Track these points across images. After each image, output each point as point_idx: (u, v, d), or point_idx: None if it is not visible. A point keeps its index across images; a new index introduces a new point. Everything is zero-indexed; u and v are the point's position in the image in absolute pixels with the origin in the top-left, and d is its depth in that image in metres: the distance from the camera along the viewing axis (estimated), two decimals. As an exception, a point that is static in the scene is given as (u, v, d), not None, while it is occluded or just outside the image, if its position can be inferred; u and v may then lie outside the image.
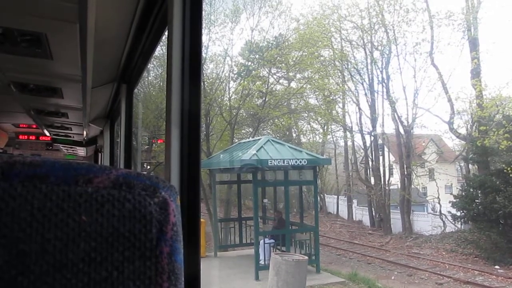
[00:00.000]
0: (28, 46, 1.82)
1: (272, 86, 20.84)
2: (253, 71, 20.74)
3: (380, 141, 20.86)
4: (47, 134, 5.69)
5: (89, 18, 1.47)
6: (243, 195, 16.09)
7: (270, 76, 21.05)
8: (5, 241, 0.31)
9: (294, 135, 23.58)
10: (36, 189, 0.33)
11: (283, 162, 10.85)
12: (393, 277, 12.35)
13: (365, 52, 20.40)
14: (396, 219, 18.70)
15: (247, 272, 10.35)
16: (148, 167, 18.71)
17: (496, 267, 12.80)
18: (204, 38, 19.71)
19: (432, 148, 21.27)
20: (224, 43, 22.93)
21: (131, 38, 2.00)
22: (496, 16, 28.75)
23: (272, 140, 12.29)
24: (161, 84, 18.72)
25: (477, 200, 14.91)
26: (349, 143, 22.86)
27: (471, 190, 15.22)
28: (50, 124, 4.75)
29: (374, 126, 20.49)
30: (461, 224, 16.29)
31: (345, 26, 20.63)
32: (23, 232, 0.32)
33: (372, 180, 20.58)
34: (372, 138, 20.89)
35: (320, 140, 23.44)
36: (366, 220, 20.94)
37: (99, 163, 6.27)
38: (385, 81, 19.75)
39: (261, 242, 10.68)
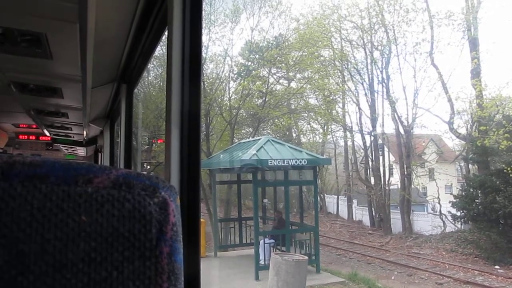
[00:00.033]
0: (28, 46, 1.82)
1: (272, 86, 20.85)
2: (253, 71, 20.74)
3: (380, 141, 20.87)
4: (47, 134, 5.69)
5: (89, 18, 1.47)
6: (243, 195, 16.09)
7: (270, 76, 21.08)
8: (5, 241, 0.31)
9: (294, 135, 23.58)
10: (36, 189, 0.33)
11: (283, 162, 10.85)
12: (393, 277, 12.35)
13: (365, 52, 20.42)
14: (396, 219, 18.70)
15: (247, 272, 10.35)
16: (148, 167, 18.72)
17: (496, 267, 12.80)
18: (204, 38, 19.74)
19: (432, 148, 21.27)
20: (224, 43, 22.98)
21: (131, 38, 2.00)
22: (496, 16, 28.79)
23: (272, 140, 12.29)
24: (161, 84, 18.73)
25: (477, 200, 14.91)
26: (349, 143, 22.88)
27: (471, 190, 15.22)
28: (50, 124, 4.75)
29: (374, 126, 20.51)
30: (461, 224, 16.29)
31: (345, 26, 20.66)
32: (23, 232, 0.32)
33: (372, 180, 20.58)
34: (372, 138, 20.89)
35: (320, 140, 23.45)
36: (366, 220, 20.94)
37: (99, 163, 6.27)
38: (385, 81, 19.76)
39: (261, 242, 10.68)
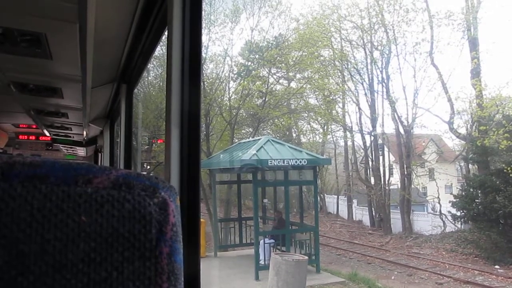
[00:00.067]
0: (28, 46, 1.82)
1: (272, 86, 20.85)
2: (253, 71, 20.74)
3: (380, 141, 20.87)
4: (47, 134, 5.69)
5: (89, 18, 1.47)
6: (243, 195, 16.09)
7: (270, 76, 21.07)
8: (5, 242, 0.31)
9: (294, 135, 23.58)
10: (36, 189, 0.33)
11: (283, 162, 10.85)
12: (393, 277, 12.35)
13: (365, 52, 20.41)
14: (396, 219, 18.70)
15: (247, 272, 10.36)
16: (148, 167, 18.72)
17: (496, 267, 12.80)
18: (204, 38, 19.74)
19: (432, 148, 21.27)
20: (224, 43, 22.96)
21: (131, 38, 2.00)
22: (496, 16, 28.79)
23: (272, 140, 12.29)
24: (161, 84, 18.73)
25: (477, 200, 14.91)
26: (349, 143, 22.88)
27: (471, 190, 15.22)
28: (50, 124, 4.75)
29: (374, 126, 20.50)
30: (461, 224, 16.29)
31: (345, 26, 20.65)
32: (23, 233, 0.32)
33: (372, 180, 20.58)
34: (372, 138, 20.89)
35: (320, 140, 23.45)
36: (366, 220, 20.94)
37: (99, 163, 6.27)
38: (385, 81, 19.76)
39: (261, 242, 10.68)
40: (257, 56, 21.31)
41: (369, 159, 21.05)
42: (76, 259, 0.32)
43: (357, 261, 14.10)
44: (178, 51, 1.19)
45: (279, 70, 21.66)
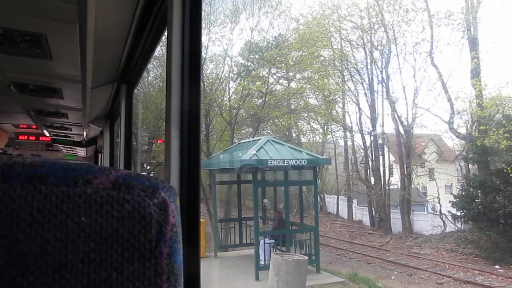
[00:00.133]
0: (28, 46, 1.82)
1: (272, 86, 20.85)
2: (253, 71, 20.75)
3: (380, 141, 20.87)
4: (47, 134, 5.69)
5: (88, 18, 1.48)
6: (243, 195, 16.09)
7: (270, 76, 21.08)
8: (5, 242, 0.31)
9: (294, 135, 23.58)
10: (36, 190, 0.33)
11: (283, 162, 10.86)
12: (393, 277, 12.35)
13: (365, 52, 20.42)
14: (396, 219, 18.70)
15: (247, 272, 10.36)
16: (148, 167, 18.72)
17: (496, 266, 12.80)
18: (204, 38, 19.74)
19: (432, 148, 21.27)
20: (223, 43, 22.99)
21: (131, 38, 2.00)
22: (496, 15, 28.79)
23: (272, 140, 12.30)
24: (161, 84, 18.74)
25: (477, 200, 14.91)
26: (349, 143, 22.88)
27: (471, 189, 15.22)
28: (50, 125, 4.75)
29: (374, 126, 20.51)
30: (461, 224, 16.29)
31: (345, 26, 20.66)
32: (22, 233, 0.32)
33: (372, 180, 20.58)
34: (372, 138, 20.90)
35: (320, 140, 23.45)
36: (366, 220, 20.94)
37: (99, 163, 6.27)
38: (385, 81, 19.77)
39: (261, 242, 10.69)
40: (257, 56, 21.31)
41: (369, 159, 21.05)
42: (76, 259, 0.32)
43: (357, 261, 14.10)
44: (178, 51, 1.19)
45: (279, 70, 21.66)
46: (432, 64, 18.49)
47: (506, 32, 25.43)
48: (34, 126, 5.26)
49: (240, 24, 22.23)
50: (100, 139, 5.30)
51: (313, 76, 20.56)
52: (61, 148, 7.25)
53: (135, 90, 2.69)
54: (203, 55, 17.97)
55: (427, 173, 20.64)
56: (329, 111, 20.84)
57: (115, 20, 1.80)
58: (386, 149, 21.15)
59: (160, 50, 8.68)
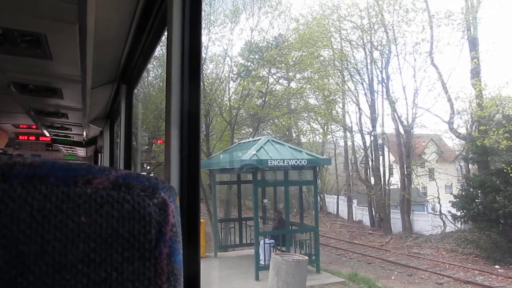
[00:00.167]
0: (28, 46, 1.82)
1: (272, 86, 20.85)
2: (253, 71, 20.75)
3: (380, 141, 20.87)
4: (47, 134, 5.69)
5: (88, 18, 1.48)
6: (243, 195, 16.09)
7: (269, 76, 21.08)
8: (5, 242, 0.31)
9: (294, 135, 23.58)
10: (36, 190, 0.33)
11: (283, 162, 10.86)
12: (393, 277, 12.35)
13: (365, 52, 20.42)
14: (396, 219, 18.70)
15: (247, 272, 10.36)
16: (148, 167, 18.72)
17: (496, 266, 12.80)
18: (204, 38, 19.74)
19: (432, 148, 21.27)
20: (223, 43, 22.99)
21: (131, 38, 2.00)
22: (496, 16, 28.77)
23: (272, 140, 12.29)
24: (161, 84, 18.74)
25: (477, 200, 14.91)
26: (349, 143, 22.88)
27: (471, 189, 15.22)
28: (50, 125, 4.75)
29: (374, 126, 20.51)
30: (461, 224, 16.29)
31: (345, 26, 20.66)
32: (22, 233, 0.32)
33: (372, 180, 20.58)
34: (372, 138, 20.90)
35: (320, 140, 23.45)
36: (366, 220, 20.94)
37: (99, 163, 6.27)
38: (385, 81, 19.76)
39: (261, 242, 10.68)
40: (257, 56, 21.32)
41: (369, 159, 21.05)
42: (75, 259, 0.32)
43: (357, 261, 14.09)
44: (178, 51, 1.19)
45: (279, 70, 21.66)
46: (432, 64, 18.51)
47: (506, 32, 25.46)
48: (34, 126, 5.26)
49: (240, 24, 22.25)
50: (100, 139, 5.30)
51: (313, 76, 20.56)
52: (61, 148, 7.25)
53: (135, 90, 2.69)
54: (203, 55, 17.98)
55: (427, 173, 20.64)
56: (329, 111, 20.84)
57: (115, 20, 1.80)
58: (386, 149, 21.15)
59: (160, 50, 8.69)
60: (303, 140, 23.36)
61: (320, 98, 21.36)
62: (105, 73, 2.59)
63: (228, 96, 19.59)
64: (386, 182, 20.13)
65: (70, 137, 5.76)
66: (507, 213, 13.60)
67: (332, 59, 20.70)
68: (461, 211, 15.46)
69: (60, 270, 0.32)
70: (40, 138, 6.47)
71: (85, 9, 1.39)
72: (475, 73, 16.91)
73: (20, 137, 6.37)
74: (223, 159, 12.97)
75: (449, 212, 16.51)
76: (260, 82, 19.95)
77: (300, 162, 11.08)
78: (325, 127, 22.96)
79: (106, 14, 1.67)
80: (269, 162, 10.78)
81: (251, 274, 10.20)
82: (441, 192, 18.92)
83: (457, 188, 19.08)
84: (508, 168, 13.86)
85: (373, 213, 20.37)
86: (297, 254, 9.84)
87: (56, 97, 2.97)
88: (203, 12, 1.25)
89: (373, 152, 20.75)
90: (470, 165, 18.44)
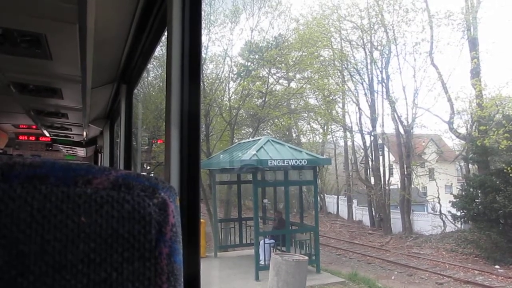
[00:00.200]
0: (28, 46, 1.82)
1: (271, 86, 20.85)
2: (253, 72, 20.75)
3: (380, 141, 20.87)
4: (47, 134, 5.69)
5: (88, 18, 1.48)
6: (243, 196, 16.09)
7: (269, 76, 21.08)
8: (5, 242, 0.31)
9: (294, 135, 23.59)
10: (36, 190, 0.33)
11: (283, 162, 10.86)
12: (393, 277, 12.35)
13: (365, 52, 20.42)
14: (396, 219, 18.70)
15: (247, 272, 10.36)
16: (148, 167, 18.73)
17: (496, 266, 12.80)
18: (204, 39, 19.74)
19: (432, 148, 21.28)
20: (223, 43, 22.99)
21: (131, 38, 2.00)
22: (496, 16, 28.77)
23: (272, 140, 12.29)
24: (161, 84, 18.74)
25: (477, 200, 14.91)
26: (349, 143, 22.89)
27: (471, 189, 15.22)
28: (50, 125, 4.75)
29: (374, 126, 20.51)
30: (461, 224, 16.29)
31: (345, 26, 20.66)
32: (22, 233, 0.32)
33: (372, 180, 20.58)
34: (372, 138, 20.90)
35: (320, 140, 23.45)
36: (366, 220, 20.94)
37: (99, 163, 6.27)
38: (385, 81, 19.77)
39: (261, 242, 10.69)
40: (257, 56, 21.32)
41: (369, 159, 21.05)
42: (75, 259, 0.32)
43: (357, 261, 14.09)
44: (178, 51, 1.19)
45: (279, 70, 21.66)
46: (432, 64, 18.51)
47: (506, 32, 25.45)
48: (34, 126, 5.26)
49: (240, 24, 22.24)
50: (100, 139, 5.30)
51: (313, 76, 20.56)
52: (61, 148, 7.25)
53: (135, 90, 2.69)
54: (203, 55, 17.98)
55: (427, 173, 20.64)
56: (329, 111, 20.84)
57: (115, 20, 1.80)
58: (386, 149, 21.15)
59: (160, 50, 8.69)
60: (303, 140, 23.37)
61: (320, 98, 21.37)
62: (105, 73, 2.59)
63: (228, 96, 19.60)
64: (386, 182, 20.14)
65: (70, 137, 5.76)
66: (507, 213, 13.60)
67: (332, 59, 20.70)
68: (461, 211, 15.46)
69: (60, 270, 0.32)
70: (40, 138, 6.46)
71: (85, 9, 1.39)
72: (475, 73, 16.91)
73: (20, 137, 6.37)
74: (223, 159, 12.97)
75: (449, 212, 16.51)
76: (260, 82, 19.96)
77: (300, 162, 11.08)
78: (325, 127, 22.97)
79: (106, 14, 1.67)
80: (269, 162, 10.78)
81: (251, 274, 10.20)
82: (441, 192, 18.92)
83: (457, 188, 19.09)
84: (508, 168, 13.86)
85: (373, 213, 20.37)
86: (297, 254, 9.84)
87: (56, 97, 2.97)
88: (203, 12, 1.25)
89: (373, 152, 20.75)
90: (470, 165, 18.45)
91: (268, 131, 21.99)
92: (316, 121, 22.85)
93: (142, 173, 0.39)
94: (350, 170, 22.83)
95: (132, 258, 0.34)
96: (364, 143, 21.20)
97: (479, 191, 14.86)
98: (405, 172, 18.85)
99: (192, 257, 1.09)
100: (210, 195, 15.11)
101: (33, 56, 1.97)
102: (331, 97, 20.93)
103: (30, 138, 6.44)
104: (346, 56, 20.65)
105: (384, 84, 19.76)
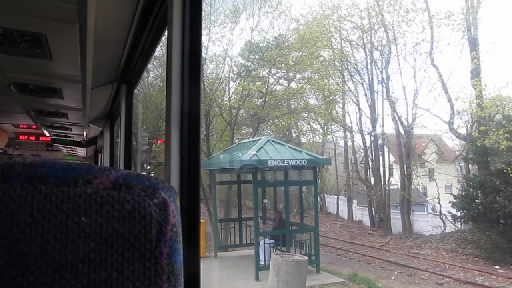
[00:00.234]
0: (28, 46, 1.82)
1: (272, 86, 20.85)
2: (253, 72, 20.75)
3: (380, 141, 20.87)
4: (47, 134, 5.69)
5: (88, 18, 1.48)
6: (243, 196, 16.09)
7: (270, 77, 21.08)
8: (5, 242, 0.31)
9: (294, 135, 23.59)
10: (36, 190, 0.33)
11: (283, 162, 10.86)
12: (393, 277, 12.35)
13: (365, 52, 20.42)
14: (396, 219, 18.70)
15: (247, 272, 10.36)
16: (148, 167, 18.72)
17: (496, 267, 12.80)
18: (204, 39, 19.74)
19: (432, 148, 21.28)
20: (224, 43, 22.99)
21: (131, 38, 2.00)
22: (496, 16, 28.76)
23: (272, 141, 12.30)
24: (161, 84, 18.74)
25: (477, 200, 14.91)
26: (349, 143, 22.89)
27: (471, 190, 15.22)
28: (50, 125, 4.75)
29: (374, 126, 20.51)
30: (461, 224, 16.29)
31: (345, 26, 20.67)
32: (22, 233, 0.32)
33: (372, 180, 20.58)
34: (372, 138, 20.90)
35: (320, 140, 23.45)
36: (366, 220, 20.94)
37: (99, 163, 6.27)
38: (385, 81, 19.77)
39: (261, 242, 10.68)
40: (257, 56, 21.32)
41: (369, 159, 21.05)
42: (76, 259, 0.32)
43: (357, 261, 14.09)
44: (178, 51, 1.19)
45: (279, 71, 21.66)
46: (432, 65, 18.52)
47: (506, 33, 25.41)
48: (34, 126, 5.26)
49: (240, 24, 22.28)
50: (100, 139, 5.30)
51: (313, 76, 20.57)
52: (61, 148, 7.25)
53: (135, 90, 2.69)
54: (203, 55, 17.97)
55: (427, 173, 20.64)
56: (329, 111, 20.85)
57: (115, 20, 1.80)
58: (386, 149, 21.15)
59: (160, 50, 8.69)
60: (303, 140, 23.37)
61: (320, 98, 21.37)
62: (105, 73, 2.59)
63: (228, 96, 19.60)
64: (386, 182, 20.14)
65: (70, 137, 5.76)
66: (507, 213, 13.60)
67: (332, 59, 20.71)
68: (461, 211, 15.46)
69: (60, 270, 0.32)
70: (40, 138, 6.47)
71: (85, 9, 1.39)
72: (475, 73, 16.91)
73: (20, 137, 6.38)
74: (223, 159, 12.97)
75: (449, 212, 16.51)
76: (260, 82, 19.96)
77: (300, 162, 11.09)
78: (325, 127, 22.97)
79: (106, 14, 1.67)
80: (269, 162, 10.78)
81: (251, 274, 10.20)
82: (441, 192, 18.93)
83: (457, 188, 19.09)
84: (508, 169, 13.86)
85: (373, 213, 20.37)
86: (297, 254, 9.84)
87: (56, 97, 2.97)
88: (203, 12, 1.25)
89: (373, 152, 20.75)
90: (470, 166, 18.45)
91: (268, 131, 21.99)
92: (316, 121, 22.87)
93: (142, 173, 0.39)
94: (350, 170, 22.83)
95: (133, 258, 0.34)
96: (364, 143, 21.22)
97: (479, 192, 14.86)
98: (405, 172, 18.85)
99: (192, 257, 1.09)
100: (210, 195, 15.11)
101: (33, 56, 1.97)
102: (331, 97, 20.94)
103: (30, 138, 6.45)
104: (346, 56, 20.66)
105: (384, 84, 19.78)
